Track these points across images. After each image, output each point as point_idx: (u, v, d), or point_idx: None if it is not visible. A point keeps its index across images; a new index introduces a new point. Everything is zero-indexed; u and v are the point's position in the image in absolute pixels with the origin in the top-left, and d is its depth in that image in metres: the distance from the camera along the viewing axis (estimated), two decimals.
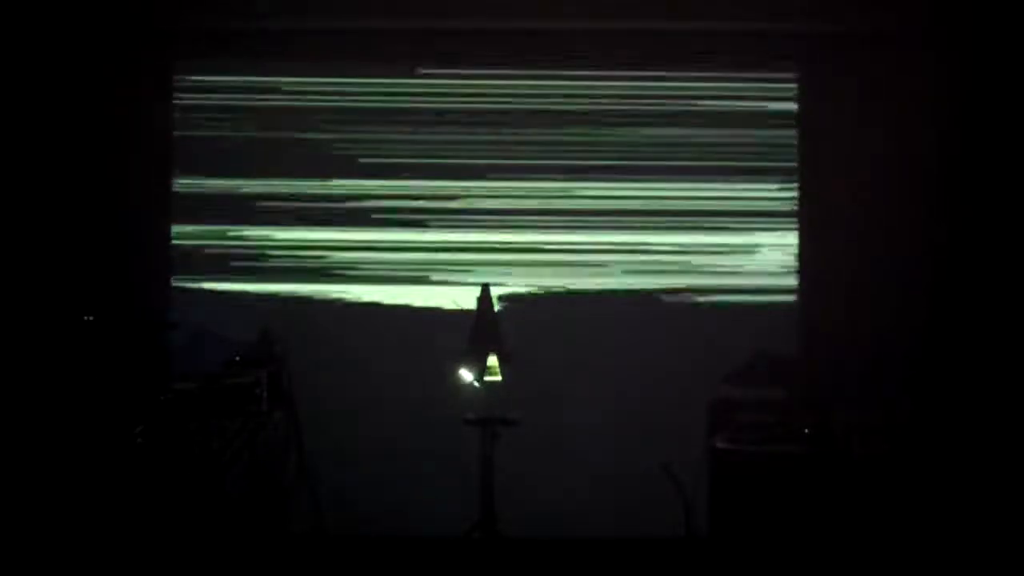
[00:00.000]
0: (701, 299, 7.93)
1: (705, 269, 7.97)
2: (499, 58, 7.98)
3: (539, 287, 7.99)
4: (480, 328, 7.14)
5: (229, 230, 7.98)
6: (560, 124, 7.98)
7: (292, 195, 7.98)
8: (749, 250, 7.98)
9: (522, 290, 7.97)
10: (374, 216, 7.99)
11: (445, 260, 7.98)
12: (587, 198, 7.98)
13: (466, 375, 7.06)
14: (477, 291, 7.23)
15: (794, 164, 7.97)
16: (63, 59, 7.71)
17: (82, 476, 6.56)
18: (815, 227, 7.92)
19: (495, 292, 7.33)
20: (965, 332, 7.60)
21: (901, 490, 7.28)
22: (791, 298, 7.94)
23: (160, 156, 7.94)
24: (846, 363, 7.66)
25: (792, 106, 7.98)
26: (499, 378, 7.09)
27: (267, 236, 7.98)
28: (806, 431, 7.04)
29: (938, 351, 7.63)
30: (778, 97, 7.99)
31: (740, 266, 7.97)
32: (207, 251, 7.97)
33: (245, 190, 7.98)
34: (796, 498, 6.84)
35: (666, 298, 7.95)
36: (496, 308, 7.26)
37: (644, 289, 7.96)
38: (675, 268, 7.97)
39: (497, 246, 7.98)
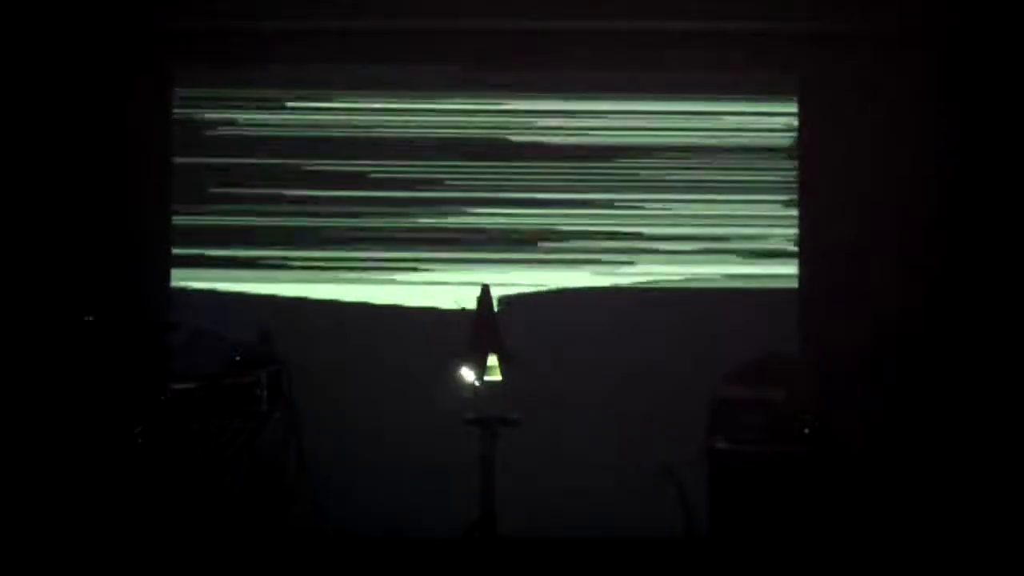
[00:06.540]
0: (701, 299, 7.93)
1: (705, 268, 7.97)
2: (498, 58, 7.98)
3: (539, 287, 7.99)
4: (480, 328, 7.14)
5: (229, 230, 7.98)
6: (558, 123, 7.99)
7: (292, 195, 7.99)
8: (749, 249, 7.98)
9: (522, 290, 7.97)
10: (374, 216, 7.99)
11: (445, 260, 7.98)
12: (587, 196, 7.98)
13: (468, 376, 7.05)
14: (477, 291, 7.22)
15: (794, 163, 7.97)
16: (63, 61, 7.70)
17: (82, 476, 6.56)
18: (815, 227, 7.92)
19: (495, 292, 7.32)
20: (965, 332, 7.61)
21: (900, 490, 7.29)
22: (791, 298, 7.94)
23: (160, 156, 7.93)
24: (846, 363, 7.66)
25: (792, 106, 7.98)
26: (499, 378, 7.08)
27: (268, 236, 7.98)
28: (806, 431, 7.04)
29: (937, 351, 7.63)
30: (777, 97, 7.99)
31: (740, 265, 7.96)
32: (207, 251, 7.97)
33: (245, 190, 7.98)
34: (796, 498, 6.85)
35: (666, 297, 7.95)
36: (496, 308, 7.25)
37: (644, 288, 7.96)
38: (676, 268, 7.97)
39: (497, 245, 7.99)
